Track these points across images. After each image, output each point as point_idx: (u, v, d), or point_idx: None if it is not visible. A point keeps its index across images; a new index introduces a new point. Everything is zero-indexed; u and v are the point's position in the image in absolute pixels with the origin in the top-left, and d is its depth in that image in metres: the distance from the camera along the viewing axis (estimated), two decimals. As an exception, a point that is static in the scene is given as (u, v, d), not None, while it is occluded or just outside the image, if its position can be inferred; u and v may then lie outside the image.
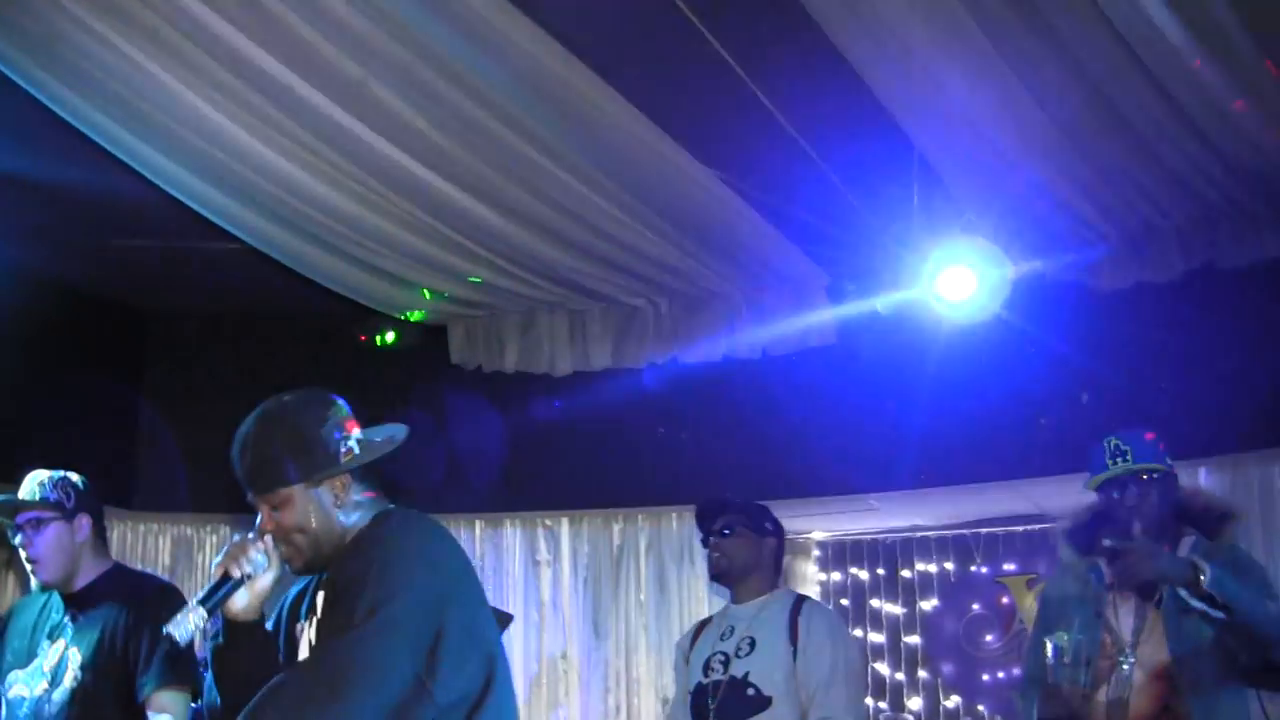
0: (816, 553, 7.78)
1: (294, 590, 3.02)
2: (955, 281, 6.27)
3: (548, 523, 7.51)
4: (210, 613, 2.80)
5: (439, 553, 2.78)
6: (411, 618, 2.62)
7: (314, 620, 2.86)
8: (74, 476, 4.28)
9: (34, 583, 4.25)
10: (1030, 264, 6.37)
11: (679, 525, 7.21)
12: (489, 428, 7.39)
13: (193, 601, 2.80)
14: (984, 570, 7.46)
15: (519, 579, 7.49)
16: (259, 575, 2.83)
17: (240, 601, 2.83)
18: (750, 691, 4.72)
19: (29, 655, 4.21)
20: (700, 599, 7.01)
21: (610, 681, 7.26)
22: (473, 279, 6.81)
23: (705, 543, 5.06)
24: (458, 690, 2.66)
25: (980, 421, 6.59)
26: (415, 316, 7.49)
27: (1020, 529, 7.41)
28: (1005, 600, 7.36)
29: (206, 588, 2.83)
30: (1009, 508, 7.25)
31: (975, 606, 7.42)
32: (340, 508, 2.85)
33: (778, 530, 5.07)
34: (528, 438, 7.41)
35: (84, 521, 4.22)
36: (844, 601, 7.61)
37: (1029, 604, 7.17)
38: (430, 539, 2.80)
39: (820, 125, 5.58)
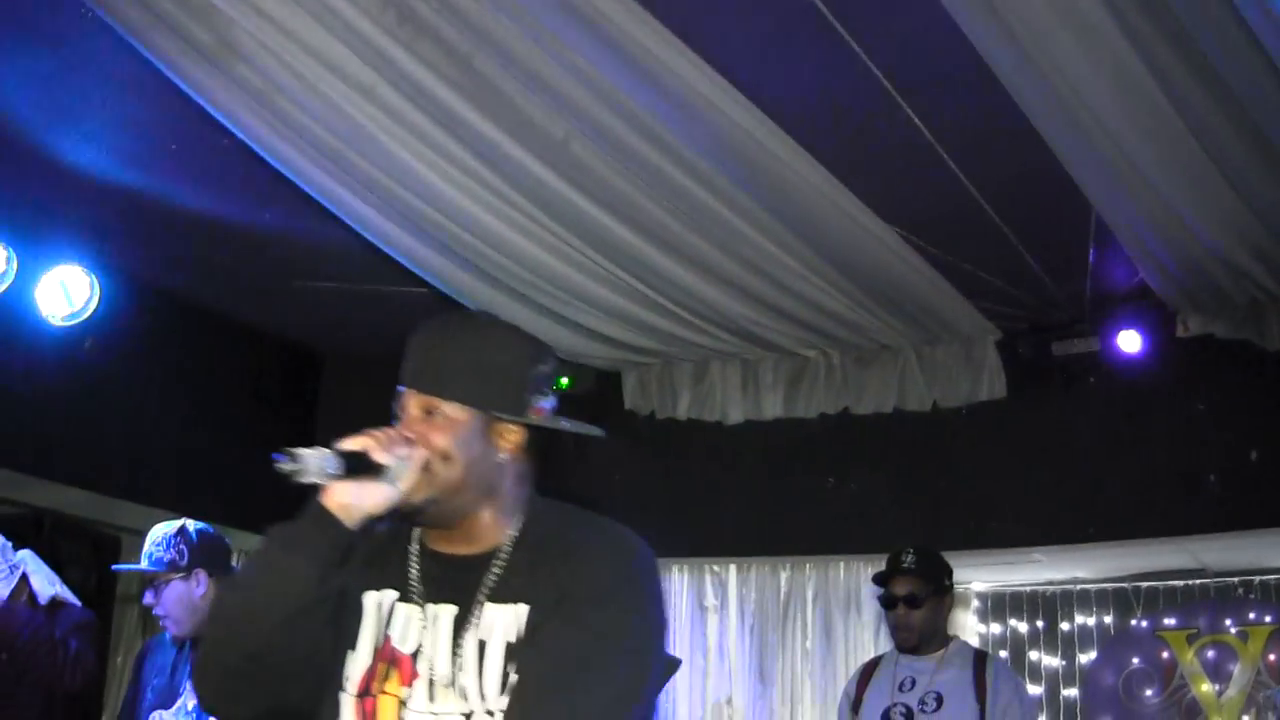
0: (976, 604, 8.99)
1: None
2: (1127, 340, 7.63)
3: (715, 569, 8.81)
4: (342, 464, 2.52)
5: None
6: (657, 666, 2.69)
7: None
8: (191, 528, 5.11)
9: None
10: (1202, 323, 7.68)
11: (846, 574, 8.48)
12: (660, 473, 8.69)
13: (328, 452, 2.53)
14: (1144, 624, 8.63)
15: (686, 624, 8.79)
16: (384, 482, 2.56)
17: (350, 495, 2.55)
18: None
19: (172, 694, 5.04)
20: (866, 648, 8.19)
21: (776, 728, 8.52)
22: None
23: (887, 604, 6.12)
24: None
25: (1145, 476, 7.92)
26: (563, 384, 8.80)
27: (1181, 584, 8.63)
28: (1165, 655, 8.46)
29: (341, 450, 2.54)
30: (1171, 562, 8.49)
31: (1135, 660, 8.54)
32: (498, 465, 2.69)
33: (952, 583, 6.16)
34: (698, 484, 8.73)
35: (201, 576, 5.08)
36: (1003, 653, 8.78)
37: (1189, 659, 8.35)
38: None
39: (1000, 183, 6.68)
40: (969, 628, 8.86)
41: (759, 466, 8.70)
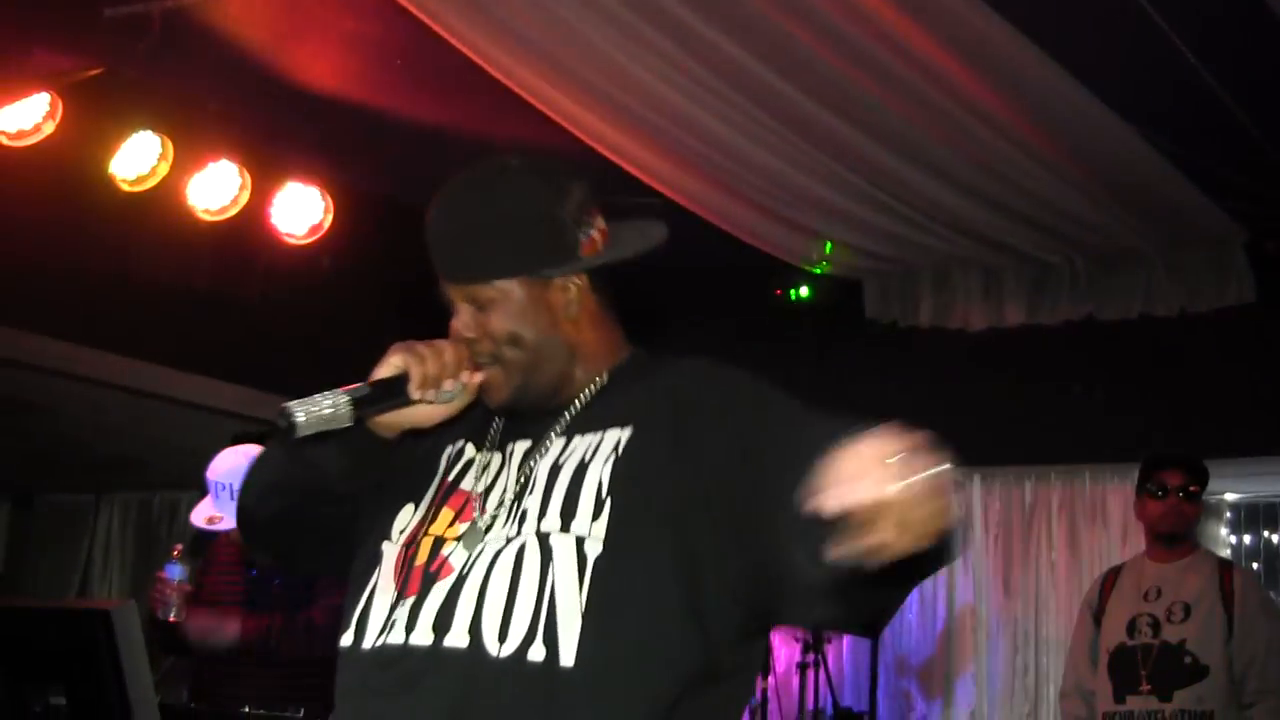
0: (1228, 514, 8.87)
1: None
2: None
3: (958, 479, 8.79)
4: (356, 414, 2.28)
5: None
6: None
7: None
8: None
9: None
10: None
11: (1092, 484, 8.45)
12: (901, 382, 8.75)
13: (339, 392, 2.29)
14: (1407, 535, 8.42)
15: (929, 534, 8.78)
16: (436, 403, 2.37)
17: (388, 420, 2.37)
18: (1188, 660, 5.77)
19: None
20: (1112, 559, 7.99)
21: (1019, 640, 8.58)
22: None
23: (1155, 495, 6.08)
24: None
25: None
26: (821, 269, 8.90)
27: None
28: None
29: (368, 386, 2.32)
30: None
31: (1399, 571, 8.36)
32: (570, 319, 2.42)
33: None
34: (940, 393, 8.73)
35: None
36: (1255, 565, 8.69)
37: None
38: None
39: (1245, 81, 6.59)
40: (1220, 539, 8.76)
41: (1002, 375, 8.70)
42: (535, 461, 2.38)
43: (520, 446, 2.43)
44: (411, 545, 2.38)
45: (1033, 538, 8.65)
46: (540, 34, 6.12)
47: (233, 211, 7.12)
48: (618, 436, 2.32)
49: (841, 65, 6.23)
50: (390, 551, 2.40)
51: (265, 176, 7.27)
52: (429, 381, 2.32)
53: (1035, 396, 8.65)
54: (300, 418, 2.23)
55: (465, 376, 2.37)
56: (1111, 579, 6.28)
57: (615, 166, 7.36)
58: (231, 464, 5.89)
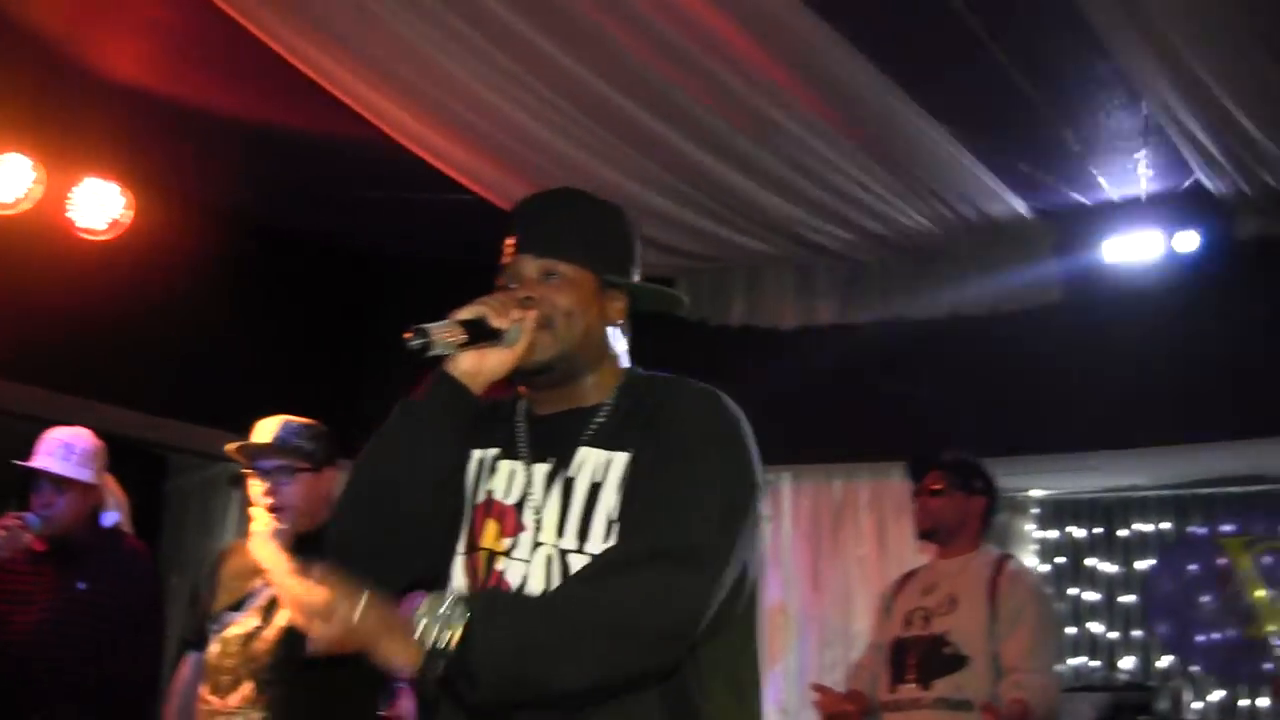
0: (1035, 510, 9.10)
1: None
2: (1183, 240, 7.70)
3: (769, 476, 8.81)
4: (467, 340, 2.72)
5: None
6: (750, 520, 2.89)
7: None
8: (321, 427, 5.13)
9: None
10: (1260, 223, 7.73)
11: (900, 480, 8.53)
12: (711, 381, 8.78)
13: (451, 322, 2.71)
14: (1202, 530, 8.75)
15: (740, 532, 8.85)
16: (502, 346, 2.77)
17: (473, 363, 2.76)
18: (947, 650, 5.84)
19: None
20: (921, 556, 8.26)
21: (828, 635, 8.66)
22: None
23: (913, 495, 6.29)
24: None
25: (1201, 380, 7.92)
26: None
27: (1239, 490, 8.77)
28: (1222, 561, 8.54)
29: (462, 319, 2.72)
30: (1229, 468, 8.59)
31: (1192, 567, 8.66)
32: (608, 328, 2.92)
33: (988, 489, 6.23)
34: (751, 392, 8.72)
35: (330, 474, 5.00)
36: (1060, 559, 8.94)
37: (1245, 565, 8.44)
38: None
39: (1057, 86, 6.77)
40: (1027, 535, 8.99)
41: (813, 373, 8.71)
42: (558, 476, 2.80)
43: (545, 468, 2.84)
44: (474, 554, 2.80)
45: (842, 534, 8.75)
46: (348, 26, 6.07)
47: (25, 206, 6.94)
48: (624, 462, 2.76)
49: (650, 57, 6.24)
50: (457, 562, 2.82)
51: (61, 171, 7.09)
52: (501, 310, 2.72)
53: (845, 394, 8.72)
54: (426, 336, 2.65)
55: (519, 314, 2.75)
56: (908, 576, 6.42)
57: (424, 163, 7.36)
58: (72, 433, 5.89)
